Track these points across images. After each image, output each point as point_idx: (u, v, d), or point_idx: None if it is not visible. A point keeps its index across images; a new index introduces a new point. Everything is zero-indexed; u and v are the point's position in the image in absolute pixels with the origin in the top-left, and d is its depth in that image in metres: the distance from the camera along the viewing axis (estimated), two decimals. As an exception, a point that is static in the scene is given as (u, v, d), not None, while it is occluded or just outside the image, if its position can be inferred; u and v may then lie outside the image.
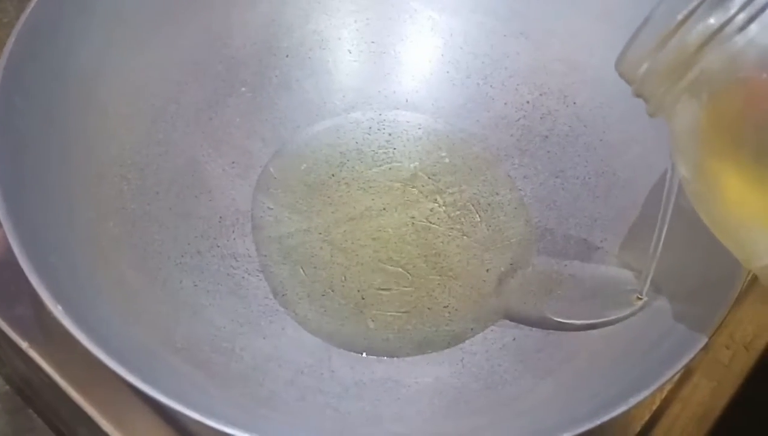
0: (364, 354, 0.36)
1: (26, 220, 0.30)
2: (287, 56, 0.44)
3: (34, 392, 0.49)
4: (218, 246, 0.39)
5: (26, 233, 0.29)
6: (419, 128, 0.45)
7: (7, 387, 0.54)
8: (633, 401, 0.28)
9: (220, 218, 0.40)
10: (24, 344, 0.39)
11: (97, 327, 0.28)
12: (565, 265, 0.39)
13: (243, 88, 0.43)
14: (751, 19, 0.25)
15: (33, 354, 0.39)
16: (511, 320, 0.38)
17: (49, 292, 0.27)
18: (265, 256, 0.40)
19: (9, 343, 0.40)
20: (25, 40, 0.34)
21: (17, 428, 0.54)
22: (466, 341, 0.37)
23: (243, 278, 0.39)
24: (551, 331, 0.37)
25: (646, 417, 0.39)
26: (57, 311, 0.27)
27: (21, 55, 0.34)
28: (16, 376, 0.50)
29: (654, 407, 0.39)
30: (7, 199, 0.29)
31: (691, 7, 0.25)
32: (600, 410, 0.28)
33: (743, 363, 0.40)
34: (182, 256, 0.38)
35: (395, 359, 0.37)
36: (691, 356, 0.29)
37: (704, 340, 0.30)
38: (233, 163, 0.42)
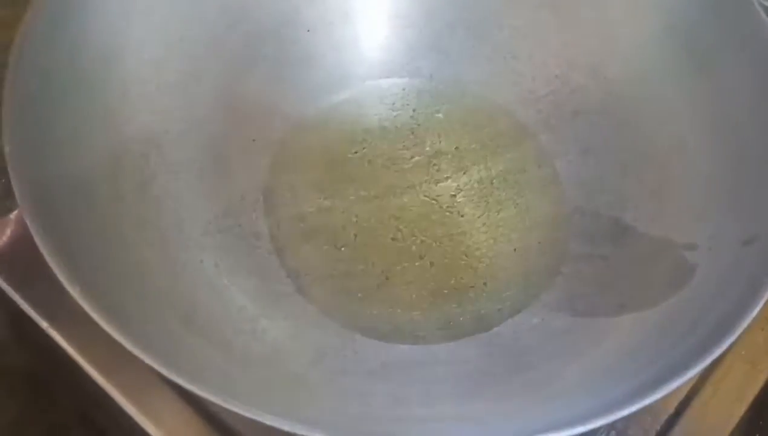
0: (386, 339, 0.36)
1: (44, 200, 0.29)
2: (308, 30, 0.43)
3: (52, 371, 0.49)
4: (239, 225, 0.38)
5: (44, 214, 0.28)
6: (444, 104, 0.44)
7: (25, 367, 0.54)
8: (664, 390, 0.27)
9: (241, 196, 0.39)
10: (44, 324, 0.39)
11: (116, 308, 0.27)
12: (595, 244, 0.38)
13: (263, 63, 0.42)
14: None
15: (53, 333, 0.39)
16: (539, 300, 0.37)
17: (66, 273, 0.26)
18: (287, 235, 0.39)
19: (29, 322, 0.39)
20: (41, 18, 0.33)
21: (35, 408, 0.54)
22: (491, 322, 0.36)
23: (264, 257, 0.38)
24: (580, 313, 0.36)
25: (679, 399, 0.38)
26: (75, 292, 0.26)
27: (37, 33, 0.33)
28: (35, 355, 0.49)
29: (686, 390, 0.38)
30: (24, 179, 0.29)
31: None
32: (631, 397, 0.27)
33: (779, 345, 0.39)
34: (203, 235, 0.37)
35: (421, 340, 0.36)
36: (727, 344, 0.28)
37: (739, 330, 0.28)
38: (254, 140, 0.41)
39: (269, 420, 0.24)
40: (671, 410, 0.37)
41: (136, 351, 0.25)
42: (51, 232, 0.28)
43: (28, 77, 0.32)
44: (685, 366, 0.28)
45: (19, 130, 0.30)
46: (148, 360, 0.25)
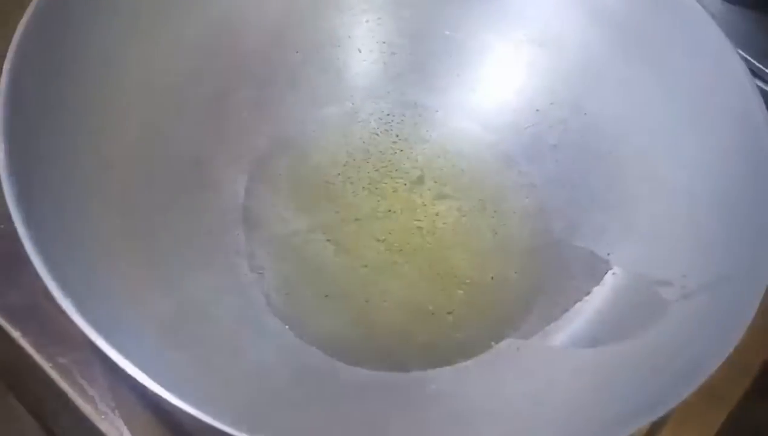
0: (365, 365, 0.36)
1: (35, 211, 0.29)
2: (297, 52, 0.44)
3: (18, 380, 0.48)
4: (223, 243, 0.38)
5: (35, 225, 0.28)
6: (427, 131, 0.44)
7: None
8: (634, 424, 0.28)
9: (225, 213, 0.39)
10: (16, 333, 0.39)
11: (103, 322, 0.27)
12: (572, 276, 0.39)
13: (251, 83, 0.42)
14: None
15: (24, 344, 0.39)
16: (516, 330, 0.38)
17: (59, 287, 0.26)
18: (269, 254, 0.39)
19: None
20: (33, 30, 0.33)
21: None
22: (468, 350, 0.37)
23: (246, 275, 0.38)
24: (555, 344, 0.37)
25: None
26: (66, 305, 0.26)
27: (29, 44, 0.33)
28: (1, 362, 0.49)
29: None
30: (17, 190, 0.29)
31: None
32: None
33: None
34: (187, 251, 0.37)
35: (401, 366, 0.36)
36: (696, 385, 0.29)
37: (710, 371, 0.29)
38: (239, 157, 0.41)
39: None
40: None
41: (127, 366, 0.25)
42: (43, 244, 0.28)
43: (22, 85, 0.32)
44: (657, 404, 0.29)
45: (12, 138, 0.30)
46: (139, 377, 0.25)
